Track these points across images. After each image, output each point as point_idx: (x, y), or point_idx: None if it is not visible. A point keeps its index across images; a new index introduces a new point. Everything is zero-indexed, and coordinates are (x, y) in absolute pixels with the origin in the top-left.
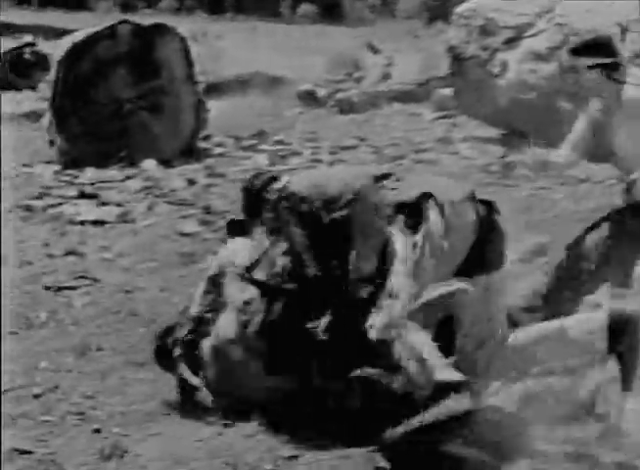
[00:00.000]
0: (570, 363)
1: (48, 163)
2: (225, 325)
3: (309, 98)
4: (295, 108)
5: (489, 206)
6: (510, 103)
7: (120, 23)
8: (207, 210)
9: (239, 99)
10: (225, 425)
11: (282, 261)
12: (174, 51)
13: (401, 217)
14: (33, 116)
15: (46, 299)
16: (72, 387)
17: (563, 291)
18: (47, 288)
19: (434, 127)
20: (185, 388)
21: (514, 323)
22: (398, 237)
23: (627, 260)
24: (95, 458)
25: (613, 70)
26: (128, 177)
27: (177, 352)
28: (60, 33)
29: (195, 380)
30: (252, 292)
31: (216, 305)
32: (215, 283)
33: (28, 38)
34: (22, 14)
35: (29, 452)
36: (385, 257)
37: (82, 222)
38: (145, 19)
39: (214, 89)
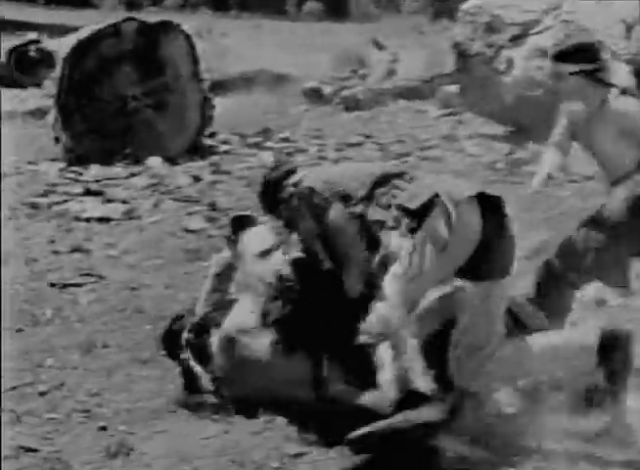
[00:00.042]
0: (558, 378)
1: (53, 160)
2: (237, 316)
3: (315, 95)
4: (300, 105)
5: (499, 209)
6: (516, 100)
7: (125, 20)
8: (213, 206)
9: (244, 96)
10: (229, 422)
11: (296, 254)
12: (179, 48)
13: (405, 219)
14: (38, 113)
15: (51, 296)
16: (78, 384)
17: (552, 286)
18: (52, 285)
19: (440, 124)
20: (188, 375)
21: (516, 318)
22: (398, 239)
23: (622, 259)
24: (101, 456)
25: (596, 75)
26: (133, 174)
27: (184, 337)
28: (65, 31)
29: (198, 368)
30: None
31: (223, 305)
32: (221, 281)
33: (33, 36)
34: (28, 11)
35: (35, 450)
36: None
37: (88, 219)
38: (150, 16)
39: (219, 87)
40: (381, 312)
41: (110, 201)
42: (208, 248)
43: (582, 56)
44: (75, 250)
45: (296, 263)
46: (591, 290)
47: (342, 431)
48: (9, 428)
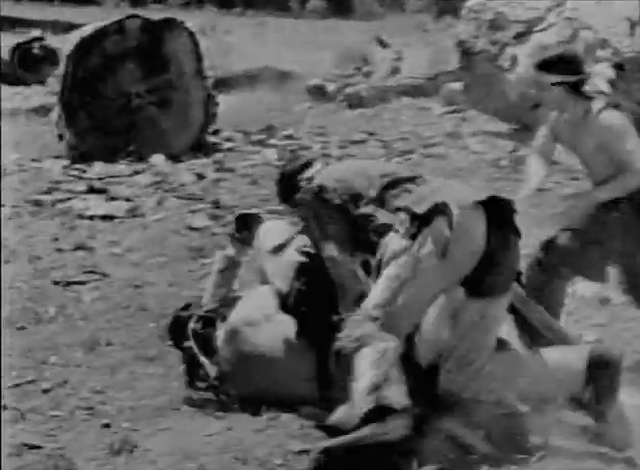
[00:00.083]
0: (545, 396)
1: (57, 157)
2: (243, 310)
3: (318, 93)
4: (304, 102)
5: (509, 216)
6: (519, 97)
7: (129, 17)
8: (217, 204)
9: (248, 94)
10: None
11: (309, 248)
12: (183, 46)
13: (408, 222)
14: (42, 110)
15: (55, 293)
16: (82, 382)
17: (542, 281)
18: (56, 283)
19: (444, 122)
20: (191, 364)
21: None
22: (398, 242)
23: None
24: (104, 453)
25: (578, 88)
26: (137, 172)
27: (191, 326)
28: (68, 28)
29: (202, 357)
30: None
31: (228, 301)
32: (225, 278)
33: (37, 33)
34: (31, 9)
35: (38, 447)
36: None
37: (91, 217)
38: (154, 13)
39: (223, 84)
40: (360, 316)
41: (113, 198)
42: (212, 245)
43: (565, 67)
44: (79, 247)
45: (301, 268)
46: (594, 288)
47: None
48: (13, 425)
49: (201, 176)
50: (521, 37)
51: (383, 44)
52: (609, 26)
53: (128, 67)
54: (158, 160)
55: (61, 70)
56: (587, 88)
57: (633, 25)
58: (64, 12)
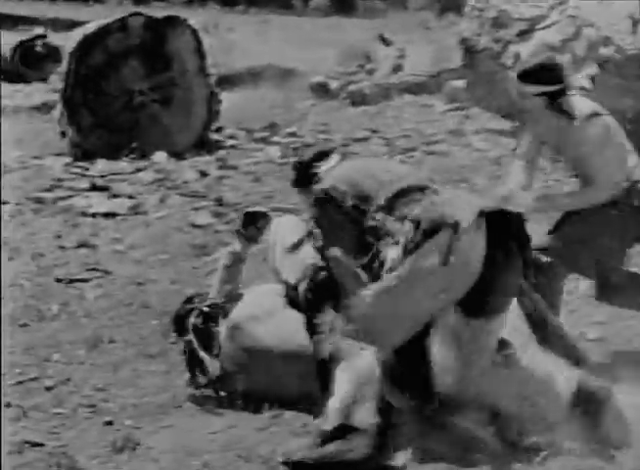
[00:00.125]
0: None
1: (59, 155)
2: (246, 306)
3: (321, 90)
4: (306, 100)
5: (518, 227)
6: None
7: (132, 15)
8: (219, 201)
9: (251, 91)
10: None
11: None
12: (186, 43)
13: (411, 235)
14: (44, 107)
15: (58, 291)
16: (84, 379)
17: (539, 277)
18: (59, 280)
19: (446, 119)
20: (191, 358)
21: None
22: (395, 252)
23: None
24: (107, 451)
25: (559, 96)
26: (139, 169)
27: (191, 321)
28: (71, 25)
29: (202, 352)
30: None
31: (232, 297)
32: (231, 274)
33: (39, 30)
34: (34, 6)
35: (41, 445)
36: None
37: (94, 215)
38: (157, 11)
39: (226, 81)
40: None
41: (116, 196)
42: (215, 243)
43: (546, 76)
44: (81, 245)
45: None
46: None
47: None
48: (15, 423)
49: (204, 174)
50: (524, 35)
51: (385, 42)
52: (611, 24)
53: (131, 64)
54: (160, 157)
55: (63, 67)
56: (564, 102)
57: (636, 23)
58: (66, 9)
